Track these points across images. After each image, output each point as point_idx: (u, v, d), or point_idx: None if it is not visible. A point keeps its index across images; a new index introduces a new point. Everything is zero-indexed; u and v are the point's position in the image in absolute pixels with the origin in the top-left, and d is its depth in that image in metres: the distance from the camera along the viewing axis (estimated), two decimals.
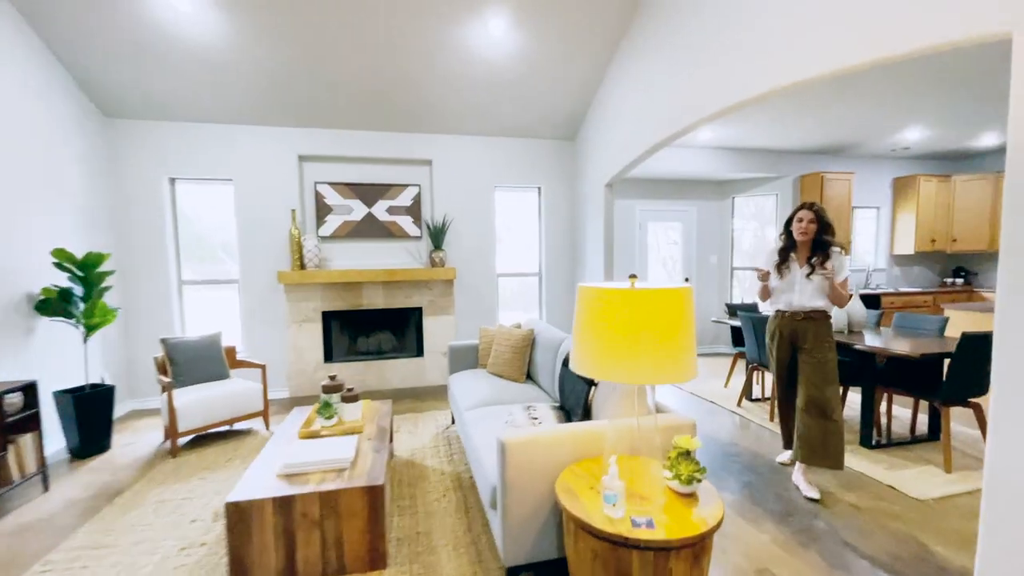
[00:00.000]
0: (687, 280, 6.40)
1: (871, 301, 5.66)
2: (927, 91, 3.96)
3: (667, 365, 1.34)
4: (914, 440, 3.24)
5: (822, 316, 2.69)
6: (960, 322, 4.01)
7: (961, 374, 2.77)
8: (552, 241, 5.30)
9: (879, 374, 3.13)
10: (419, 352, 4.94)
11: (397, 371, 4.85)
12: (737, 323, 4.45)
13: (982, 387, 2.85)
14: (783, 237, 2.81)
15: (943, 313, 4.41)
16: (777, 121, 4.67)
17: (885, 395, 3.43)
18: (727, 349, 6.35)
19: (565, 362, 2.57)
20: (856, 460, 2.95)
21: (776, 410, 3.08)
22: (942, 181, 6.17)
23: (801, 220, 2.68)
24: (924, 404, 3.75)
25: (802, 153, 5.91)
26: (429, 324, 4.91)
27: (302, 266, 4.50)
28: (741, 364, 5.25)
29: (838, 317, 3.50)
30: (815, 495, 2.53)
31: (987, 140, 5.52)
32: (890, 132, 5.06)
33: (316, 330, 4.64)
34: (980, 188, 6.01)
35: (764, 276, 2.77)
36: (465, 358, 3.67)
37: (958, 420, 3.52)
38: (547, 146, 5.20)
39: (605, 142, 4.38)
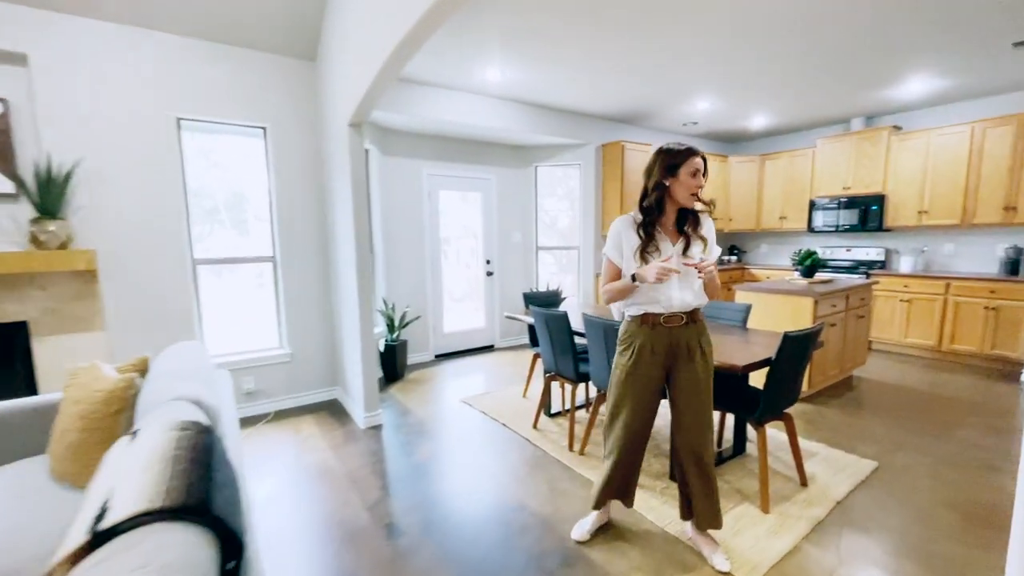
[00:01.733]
0: (488, 263, 5.41)
1: None
2: (716, 56, 3.48)
3: None
4: (722, 458, 2.67)
5: (702, 317, 1.82)
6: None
7: (781, 383, 2.16)
8: (291, 210, 3.62)
9: None
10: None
11: None
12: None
13: (796, 395, 2.32)
14: (652, 199, 1.73)
15: (733, 294, 4.19)
16: (573, 76, 3.81)
17: None
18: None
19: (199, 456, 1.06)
20: (674, 508, 2.17)
21: (611, 450, 2.07)
22: (722, 161, 6.36)
23: (695, 172, 1.67)
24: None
25: (602, 119, 5.34)
26: (46, 350, 2.81)
27: None
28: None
29: None
30: (727, 567, 1.79)
31: (757, 123, 5.71)
32: (681, 100, 4.70)
33: None
34: (749, 170, 6.35)
35: (664, 275, 1.63)
36: (26, 433, 1.84)
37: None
38: (276, 65, 3.45)
39: (347, 59, 2.88)
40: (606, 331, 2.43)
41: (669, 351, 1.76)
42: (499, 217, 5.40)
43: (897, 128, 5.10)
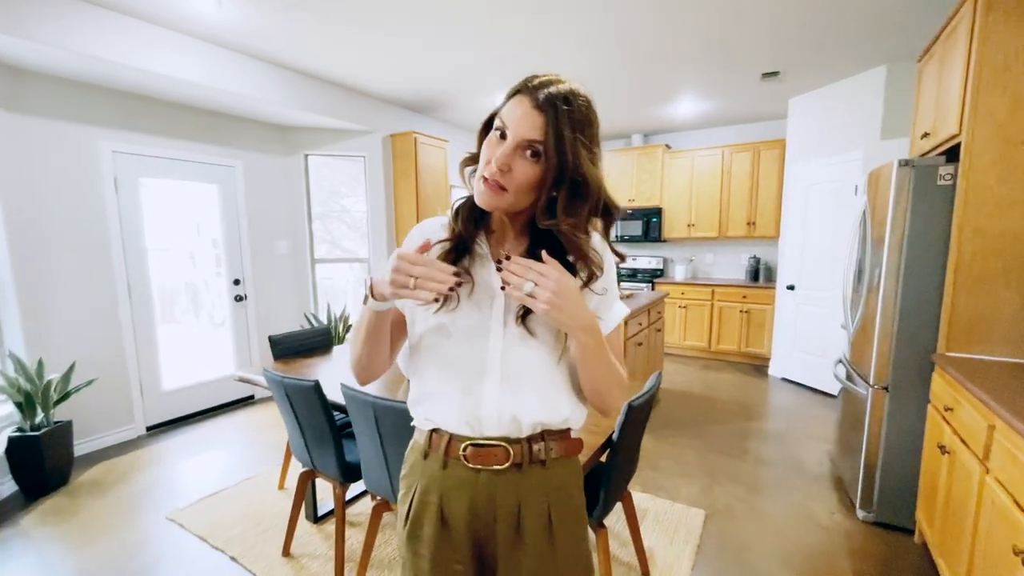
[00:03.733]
0: (237, 283, 3.90)
1: None
2: (505, 36, 2.94)
3: None
4: None
5: (565, 447, 0.84)
6: None
7: (624, 464, 1.58)
8: None
9: None
10: None
11: None
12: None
13: (635, 466, 1.80)
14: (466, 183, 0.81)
15: None
16: (334, 35, 2.79)
17: None
18: None
19: None
20: None
21: None
22: None
23: (503, 126, 0.71)
24: None
25: (390, 103, 4.40)
26: None
27: None
28: None
29: None
30: None
31: None
32: (478, 90, 4.10)
33: None
34: None
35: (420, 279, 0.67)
36: None
37: None
38: None
39: None
40: (379, 413, 1.51)
41: (475, 521, 0.82)
42: (251, 220, 3.95)
43: (668, 147, 5.53)
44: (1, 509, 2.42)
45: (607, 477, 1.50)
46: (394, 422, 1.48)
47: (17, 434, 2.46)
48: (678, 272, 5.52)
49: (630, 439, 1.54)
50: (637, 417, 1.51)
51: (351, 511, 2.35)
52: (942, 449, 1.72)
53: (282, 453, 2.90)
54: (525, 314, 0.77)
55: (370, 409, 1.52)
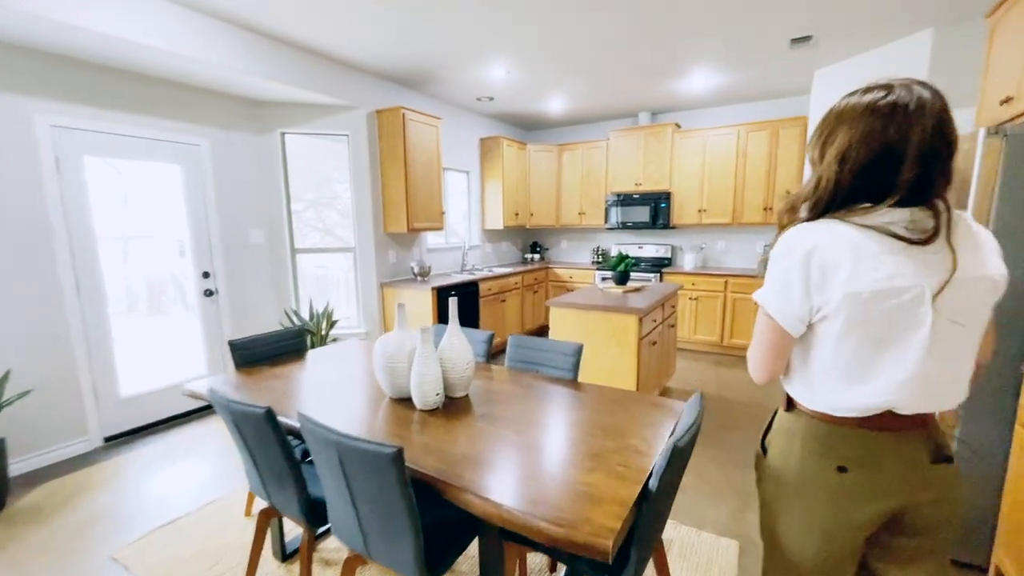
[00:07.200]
0: (207, 276, 3.52)
1: (468, 294, 4.47)
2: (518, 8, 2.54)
3: None
4: None
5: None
6: (568, 326, 3.00)
7: (658, 514, 1.25)
8: None
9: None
10: None
11: None
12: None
13: (669, 509, 1.46)
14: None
15: (545, 311, 3.40)
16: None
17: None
18: None
19: None
20: None
21: None
22: (520, 148, 5.69)
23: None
24: None
25: (375, 76, 3.98)
26: None
27: None
28: None
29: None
30: None
31: (555, 107, 5.15)
32: (473, 60, 3.69)
33: None
34: (548, 160, 5.84)
35: None
36: None
37: None
38: None
39: None
40: (343, 455, 1.15)
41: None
42: (221, 205, 3.55)
43: (678, 126, 5.14)
44: None
45: (638, 536, 1.16)
46: (366, 465, 1.13)
47: None
48: (687, 261, 5.17)
49: (669, 484, 1.20)
50: (681, 459, 1.17)
51: (326, 546, 2.02)
52: None
53: (237, 493, 2.55)
54: None
55: (333, 449, 1.17)
